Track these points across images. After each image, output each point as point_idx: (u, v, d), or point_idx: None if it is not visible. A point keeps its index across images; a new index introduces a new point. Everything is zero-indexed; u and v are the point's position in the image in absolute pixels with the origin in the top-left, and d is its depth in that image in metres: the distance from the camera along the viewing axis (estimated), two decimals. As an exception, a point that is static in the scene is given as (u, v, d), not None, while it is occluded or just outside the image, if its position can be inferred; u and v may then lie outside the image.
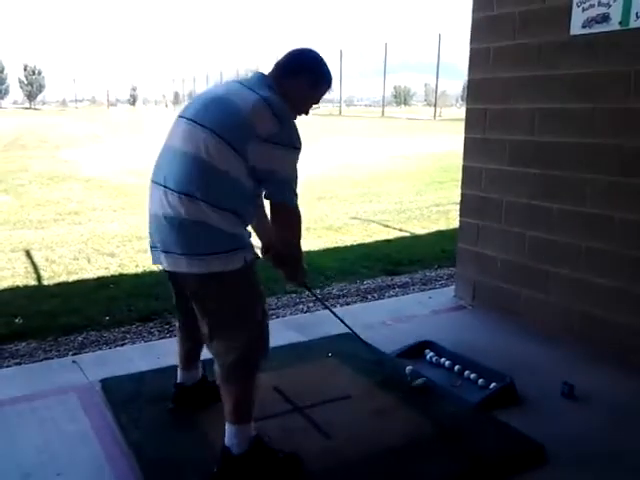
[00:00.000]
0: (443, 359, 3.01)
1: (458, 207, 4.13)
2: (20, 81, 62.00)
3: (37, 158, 12.79)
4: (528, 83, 3.47)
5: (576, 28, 3.17)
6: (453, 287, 4.25)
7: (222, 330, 2.02)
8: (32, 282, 4.68)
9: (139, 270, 4.93)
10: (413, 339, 3.22)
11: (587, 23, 3.12)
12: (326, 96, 2.35)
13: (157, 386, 2.65)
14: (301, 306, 4.18)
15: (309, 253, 2.34)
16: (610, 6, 3.01)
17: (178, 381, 2.50)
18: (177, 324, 2.43)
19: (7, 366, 3.20)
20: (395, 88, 61.82)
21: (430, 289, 4.55)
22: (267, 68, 2.18)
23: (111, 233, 6.28)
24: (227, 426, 2.04)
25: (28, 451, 2.29)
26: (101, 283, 4.64)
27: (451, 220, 6.64)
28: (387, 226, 6.88)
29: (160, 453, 2.22)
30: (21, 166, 11.54)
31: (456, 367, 2.92)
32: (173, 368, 2.52)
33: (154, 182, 2.04)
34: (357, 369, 2.89)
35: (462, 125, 3.98)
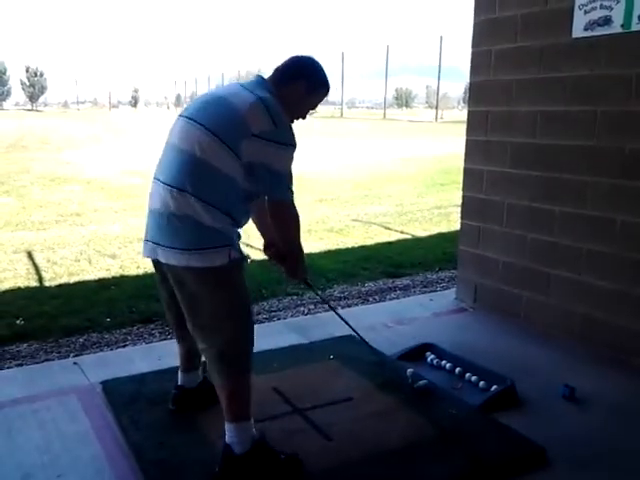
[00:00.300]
0: (444, 361, 3.01)
1: (459, 209, 4.12)
2: (22, 83, 62.09)
3: (39, 160, 12.80)
4: (530, 86, 3.47)
5: (578, 31, 3.18)
6: (454, 289, 4.24)
7: (202, 324, 2.05)
8: (33, 283, 4.68)
9: (140, 271, 4.93)
10: (414, 341, 3.22)
11: (589, 26, 3.12)
12: (328, 98, 2.38)
13: (158, 387, 2.65)
14: (302, 308, 4.18)
15: (310, 255, 2.34)
16: (612, 9, 3.01)
17: (179, 383, 2.50)
18: (170, 326, 2.43)
19: (8, 367, 3.20)
20: (397, 90, 61.89)
21: (431, 291, 4.55)
22: (268, 71, 2.24)
23: (112, 234, 6.29)
24: (226, 425, 2.05)
25: (29, 452, 2.29)
26: (102, 284, 4.65)
27: (452, 222, 6.63)
28: (388, 228, 6.87)
29: (160, 454, 2.22)
30: (23, 167, 11.55)
31: (457, 369, 2.92)
32: (174, 370, 2.52)
33: (154, 179, 2.11)
34: (358, 371, 2.88)
35: (464, 127, 3.98)
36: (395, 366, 2.91)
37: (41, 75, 63.07)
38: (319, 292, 2.92)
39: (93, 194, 8.93)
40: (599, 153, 3.15)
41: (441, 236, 6.44)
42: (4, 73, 60.83)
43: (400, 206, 8.20)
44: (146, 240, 2.12)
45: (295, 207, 2.13)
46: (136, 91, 72.75)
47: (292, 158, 2.07)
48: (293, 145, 2.05)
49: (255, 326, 2.15)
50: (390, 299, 4.40)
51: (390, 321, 3.67)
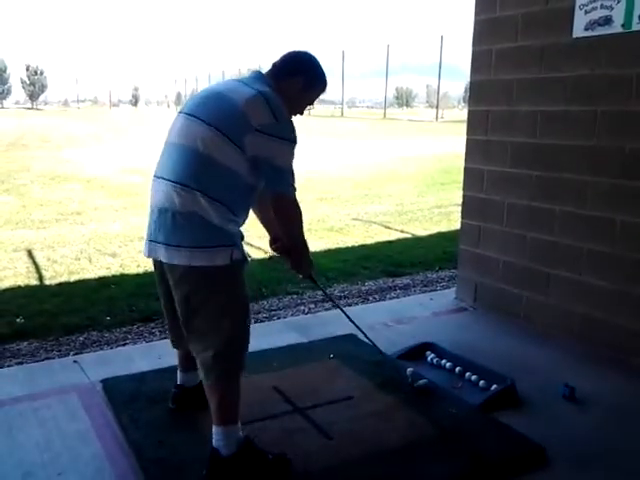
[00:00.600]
0: (444, 361, 3.01)
1: (459, 209, 4.13)
2: (22, 81, 62.03)
3: (39, 158, 12.81)
4: (530, 85, 3.47)
5: (578, 31, 3.18)
6: (454, 289, 4.25)
7: (199, 327, 2.04)
8: (34, 282, 4.69)
9: (140, 270, 4.93)
10: (414, 341, 3.23)
11: (589, 26, 3.12)
12: (328, 97, 2.40)
13: (158, 386, 2.66)
14: (302, 307, 4.19)
15: (310, 254, 2.35)
16: (613, 9, 3.01)
17: (178, 382, 2.51)
18: (168, 326, 2.40)
19: (8, 365, 3.20)
20: (397, 90, 61.89)
21: (431, 291, 4.56)
22: (267, 68, 2.22)
23: (113, 233, 6.29)
24: (214, 428, 2.05)
25: (29, 450, 2.29)
26: (103, 283, 4.65)
27: (452, 222, 6.64)
28: (388, 227, 6.88)
29: (160, 453, 2.22)
30: (23, 166, 11.55)
31: (457, 369, 2.92)
32: (174, 368, 2.52)
33: (155, 177, 2.09)
34: (358, 370, 2.89)
35: (464, 127, 3.98)
36: (395, 365, 2.92)
37: (41, 73, 63.01)
38: (323, 287, 2.92)
39: (93, 192, 8.93)
40: (599, 153, 3.15)
41: (441, 235, 6.44)
42: (4, 71, 60.78)
43: (400, 205, 8.20)
44: (149, 240, 2.10)
45: (297, 202, 2.13)
46: (136, 90, 72.69)
47: (294, 154, 2.07)
48: (294, 141, 2.05)
49: (255, 325, 2.16)
50: (390, 298, 4.40)
51: (390, 320, 3.67)
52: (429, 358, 3.08)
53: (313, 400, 2.58)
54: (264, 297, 4.33)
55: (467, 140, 3.95)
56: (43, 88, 63.29)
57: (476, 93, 3.89)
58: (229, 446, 2.03)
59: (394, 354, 3.09)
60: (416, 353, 3.12)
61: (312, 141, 13.33)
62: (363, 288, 4.65)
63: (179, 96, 53.19)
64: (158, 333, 3.68)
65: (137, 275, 4.84)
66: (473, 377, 2.83)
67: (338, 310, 2.77)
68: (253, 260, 4.37)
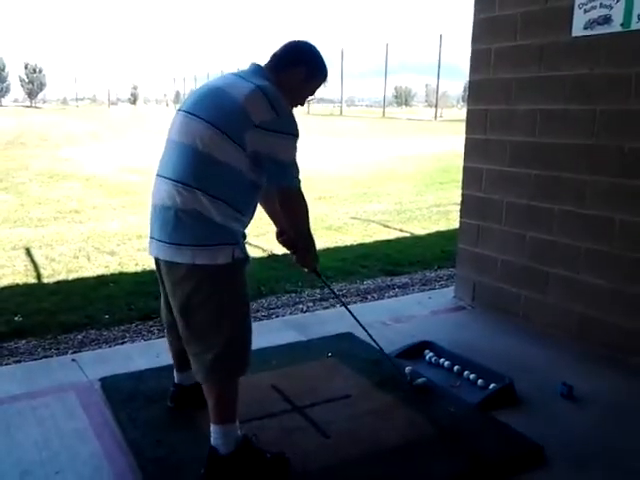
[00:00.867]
0: (442, 359, 3.01)
1: (458, 208, 4.13)
2: (21, 79, 61.99)
3: (37, 156, 12.79)
4: (529, 84, 3.47)
5: (578, 30, 3.18)
6: (453, 288, 4.25)
7: (199, 326, 2.02)
8: (32, 280, 4.68)
9: (139, 269, 4.93)
10: (412, 339, 3.23)
11: (589, 25, 3.12)
12: (327, 96, 2.39)
13: (156, 385, 2.66)
14: (301, 305, 4.18)
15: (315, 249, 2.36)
16: (612, 8, 3.01)
17: (176, 381, 2.50)
18: (165, 326, 2.40)
19: (6, 364, 3.20)
20: (396, 89, 61.86)
21: (430, 289, 4.56)
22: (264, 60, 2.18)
23: (111, 231, 6.28)
24: (212, 426, 2.05)
25: (27, 449, 2.29)
26: (101, 281, 4.64)
27: (451, 221, 6.64)
28: (387, 226, 6.88)
29: (158, 452, 2.22)
30: (21, 164, 11.53)
31: (455, 367, 2.92)
32: (172, 367, 2.52)
33: (157, 175, 2.08)
34: (356, 369, 2.89)
35: (463, 126, 3.98)
36: (393, 364, 2.91)
37: (40, 72, 62.96)
38: (328, 282, 2.92)
39: (92, 191, 8.92)
40: (598, 152, 3.15)
41: (440, 234, 6.45)
42: (3, 69, 60.71)
43: (399, 204, 8.20)
44: (151, 237, 2.08)
45: (303, 195, 2.11)
46: (135, 88, 72.68)
47: (296, 147, 2.05)
48: (296, 135, 2.03)
49: (254, 323, 2.15)
50: (388, 297, 4.40)
51: (388, 319, 3.67)
52: (427, 357, 3.08)
53: (311, 399, 2.58)
54: (263, 295, 4.33)
55: (466, 139, 3.95)
56: (42, 86, 63.25)
57: (475, 92, 3.89)
58: (227, 445, 2.03)
59: (392, 353, 3.09)
60: (414, 352, 3.12)
61: (311, 140, 13.32)
62: (362, 287, 4.65)
63: (178, 95, 53.14)
64: (157, 331, 3.68)
65: (135, 273, 4.84)
66: (471, 376, 2.83)
67: (336, 308, 2.77)
68: (252, 259, 4.36)
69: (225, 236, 1.97)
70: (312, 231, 2.28)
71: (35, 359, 3.26)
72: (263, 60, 2.17)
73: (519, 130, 3.55)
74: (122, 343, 3.52)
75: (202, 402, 2.11)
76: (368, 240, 6.19)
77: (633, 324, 3.05)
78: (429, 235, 6.51)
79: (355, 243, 6.04)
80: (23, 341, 3.52)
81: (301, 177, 2.10)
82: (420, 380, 2.69)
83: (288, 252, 2.45)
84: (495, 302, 3.82)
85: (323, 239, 5.93)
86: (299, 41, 2.22)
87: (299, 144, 2.05)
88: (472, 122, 3.90)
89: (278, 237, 2.45)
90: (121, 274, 4.84)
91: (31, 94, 61.59)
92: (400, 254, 5.56)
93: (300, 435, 2.33)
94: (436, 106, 28.46)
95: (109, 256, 5.33)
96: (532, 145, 3.49)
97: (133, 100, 70.58)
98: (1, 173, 10.39)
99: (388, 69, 28.41)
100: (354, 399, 2.62)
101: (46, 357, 3.30)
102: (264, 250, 5.42)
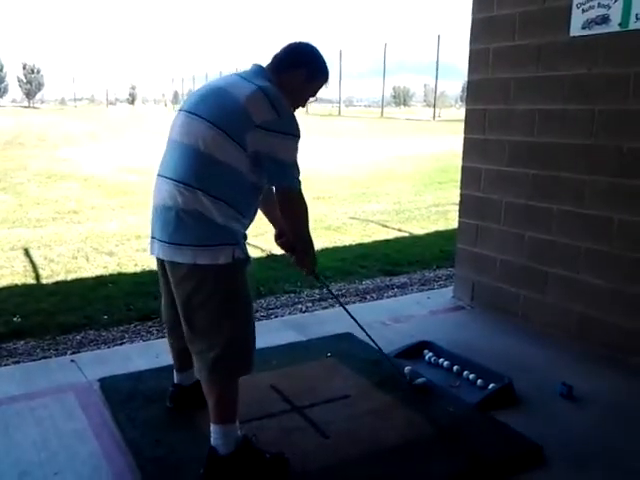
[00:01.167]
0: (442, 359, 3.01)
1: (457, 207, 4.13)
2: (19, 79, 61.94)
3: (36, 157, 12.78)
4: (527, 84, 3.48)
5: (576, 29, 3.18)
6: (452, 287, 4.25)
7: (200, 326, 2.02)
8: (30, 281, 4.67)
9: (138, 269, 4.93)
10: (412, 339, 3.23)
11: (587, 24, 3.12)
12: (325, 96, 2.39)
13: (155, 385, 2.66)
14: (300, 305, 4.18)
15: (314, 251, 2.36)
16: (610, 7, 3.01)
17: (175, 381, 2.50)
18: (166, 325, 2.40)
19: (5, 365, 3.19)
20: (394, 89, 61.86)
21: (429, 289, 4.56)
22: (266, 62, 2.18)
23: (109, 232, 6.27)
24: (212, 426, 2.05)
25: (26, 449, 2.28)
26: (100, 282, 4.64)
27: (450, 220, 6.64)
28: (386, 226, 6.88)
29: (157, 452, 2.22)
30: (20, 165, 11.52)
31: (455, 367, 2.92)
32: (171, 367, 2.52)
33: (158, 175, 2.08)
34: (356, 369, 2.89)
35: (461, 126, 3.98)
36: (393, 364, 2.91)
37: (38, 72, 62.91)
38: (327, 284, 2.93)
39: (90, 191, 8.91)
40: (597, 152, 3.15)
41: (439, 234, 6.45)
42: (1, 70, 60.66)
43: (398, 204, 8.20)
44: (152, 237, 2.08)
45: (303, 197, 2.11)
46: (133, 88, 72.65)
47: (297, 148, 2.05)
48: (298, 135, 2.03)
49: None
50: (387, 297, 4.40)
51: (387, 319, 3.67)
52: (427, 357, 3.08)
53: (311, 399, 2.58)
54: (262, 295, 4.33)
55: (464, 139, 3.95)
56: (40, 86, 63.20)
57: (473, 92, 3.89)
58: (227, 445, 2.03)
59: (392, 353, 3.08)
60: (414, 352, 3.12)
61: (309, 140, 13.31)
62: (360, 287, 4.65)
63: (176, 95, 53.14)
64: (156, 332, 3.68)
65: (134, 274, 4.84)
66: (471, 376, 2.83)
67: (335, 309, 2.77)
68: (252, 260, 4.36)
69: (226, 236, 1.97)
70: (311, 232, 2.28)
71: (34, 360, 3.26)
72: (263, 60, 2.17)
73: (518, 130, 3.56)
74: (121, 344, 3.52)
75: (201, 402, 2.11)
76: (367, 240, 6.19)
77: (633, 324, 3.05)
78: (428, 235, 6.51)
79: (354, 243, 6.04)
80: (22, 342, 3.52)
81: (301, 178, 2.09)
82: (419, 380, 2.69)
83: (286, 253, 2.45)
84: (494, 302, 3.82)
85: (322, 239, 5.93)
86: (300, 43, 2.23)
87: (300, 145, 2.05)
88: (470, 122, 3.90)
89: (277, 239, 2.45)
90: (120, 274, 4.84)
91: (29, 94, 61.53)
92: (399, 254, 5.56)
93: (299, 435, 2.33)
94: (434, 106, 28.52)
95: (108, 256, 5.33)
96: (531, 145, 3.49)
97: (131, 100, 70.55)
98: (-1, 173, 10.39)
99: (386, 69, 28.45)
100: (353, 399, 2.62)
101: (45, 358, 3.29)
102: (263, 250, 5.42)
